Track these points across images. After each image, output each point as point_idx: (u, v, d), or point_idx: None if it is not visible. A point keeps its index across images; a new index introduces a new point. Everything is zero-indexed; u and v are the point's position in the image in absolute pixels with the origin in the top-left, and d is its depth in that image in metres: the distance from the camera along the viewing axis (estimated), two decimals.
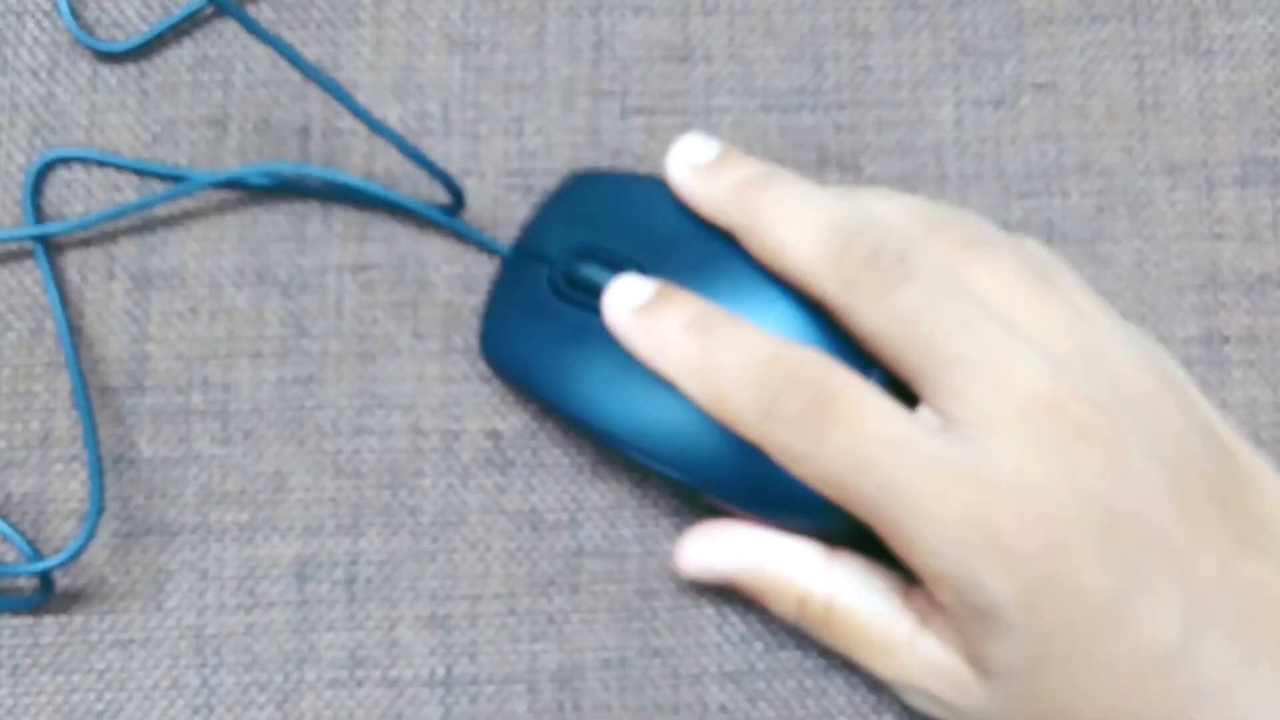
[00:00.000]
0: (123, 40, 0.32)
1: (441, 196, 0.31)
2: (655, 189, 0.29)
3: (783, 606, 0.27)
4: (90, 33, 0.32)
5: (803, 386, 0.24)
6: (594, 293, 0.28)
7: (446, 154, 0.31)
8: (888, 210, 0.26)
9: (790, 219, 0.26)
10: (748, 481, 0.26)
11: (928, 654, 0.25)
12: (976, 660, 0.24)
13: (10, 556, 0.29)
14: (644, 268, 0.27)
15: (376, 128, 0.29)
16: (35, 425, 0.30)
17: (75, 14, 0.32)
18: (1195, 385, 0.26)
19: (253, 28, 0.28)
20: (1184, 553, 0.23)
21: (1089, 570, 0.23)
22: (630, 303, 0.27)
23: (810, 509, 0.26)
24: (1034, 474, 0.23)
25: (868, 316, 0.25)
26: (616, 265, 0.28)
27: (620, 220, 0.28)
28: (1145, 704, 0.23)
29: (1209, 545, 0.23)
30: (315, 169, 0.29)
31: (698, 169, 0.27)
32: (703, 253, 0.27)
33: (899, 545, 0.24)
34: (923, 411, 0.24)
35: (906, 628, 0.25)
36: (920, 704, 0.26)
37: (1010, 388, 0.23)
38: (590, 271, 0.28)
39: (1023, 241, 0.27)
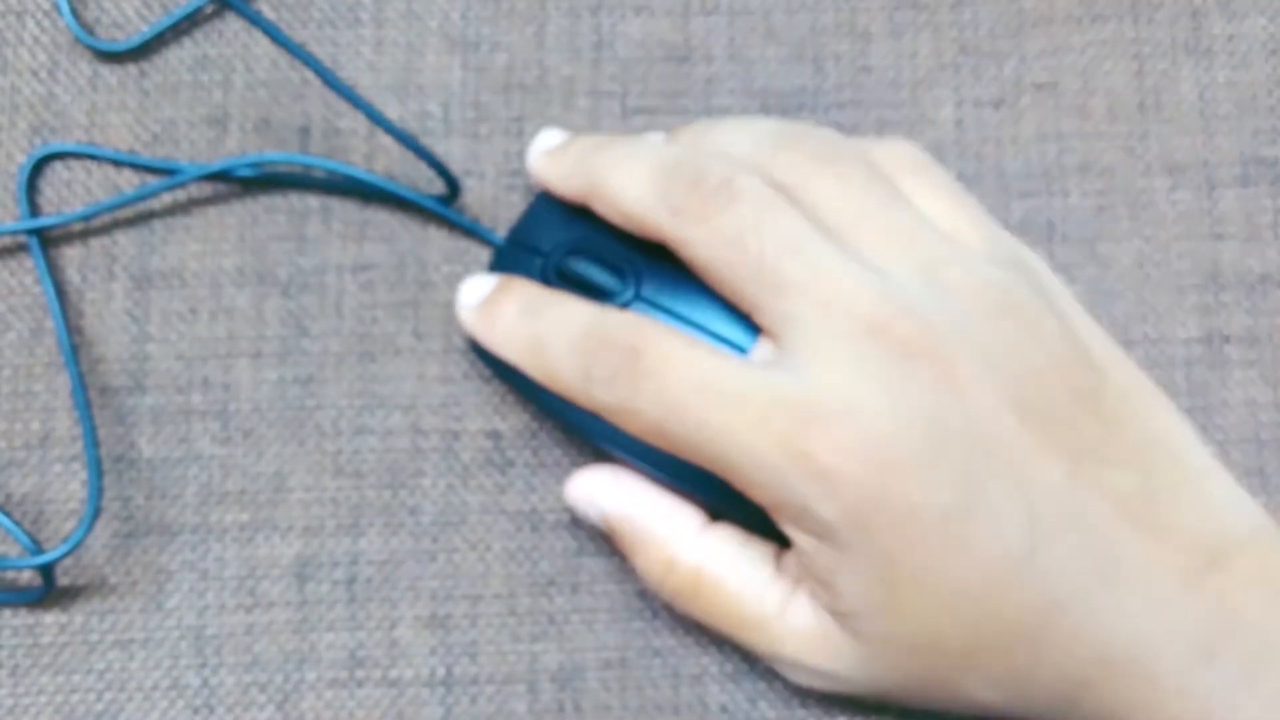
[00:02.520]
0: (123, 40, 0.32)
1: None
2: None
3: (649, 566, 0.26)
4: (90, 32, 0.32)
5: (613, 347, 0.25)
6: (585, 289, 0.28)
7: (447, 154, 0.31)
8: (736, 138, 0.27)
9: (622, 167, 0.26)
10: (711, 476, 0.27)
11: (798, 622, 0.25)
12: (838, 606, 0.24)
13: (11, 553, 0.29)
14: (636, 264, 0.27)
15: (362, 107, 0.29)
16: (35, 425, 0.30)
17: (75, 14, 0.32)
18: (1069, 296, 0.26)
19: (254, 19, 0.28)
20: (1027, 463, 0.23)
21: (917, 487, 0.23)
22: (474, 300, 0.28)
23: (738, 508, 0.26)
24: (853, 394, 0.23)
25: (698, 244, 0.25)
26: (609, 262, 0.28)
27: None
28: (1002, 620, 0.23)
29: (1059, 455, 0.23)
30: (305, 158, 0.29)
31: (550, 153, 0.28)
32: None
33: (737, 484, 0.24)
34: (760, 344, 0.25)
35: (776, 598, 0.25)
36: (801, 678, 0.26)
37: (835, 309, 0.24)
38: (582, 267, 0.28)
39: (891, 145, 0.27)
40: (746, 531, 0.26)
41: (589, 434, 0.28)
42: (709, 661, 0.29)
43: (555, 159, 0.28)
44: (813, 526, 0.23)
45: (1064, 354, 0.24)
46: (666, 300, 0.27)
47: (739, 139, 0.27)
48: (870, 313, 0.23)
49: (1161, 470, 0.24)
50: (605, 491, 0.27)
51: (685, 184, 0.25)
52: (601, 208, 0.27)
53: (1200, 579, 0.23)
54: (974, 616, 0.23)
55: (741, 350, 0.27)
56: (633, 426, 0.25)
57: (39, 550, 0.28)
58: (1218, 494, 0.25)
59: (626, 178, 0.26)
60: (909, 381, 0.23)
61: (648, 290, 0.27)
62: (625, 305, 0.27)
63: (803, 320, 0.24)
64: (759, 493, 0.24)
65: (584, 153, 0.28)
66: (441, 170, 0.30)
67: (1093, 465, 0.24)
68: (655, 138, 0.28)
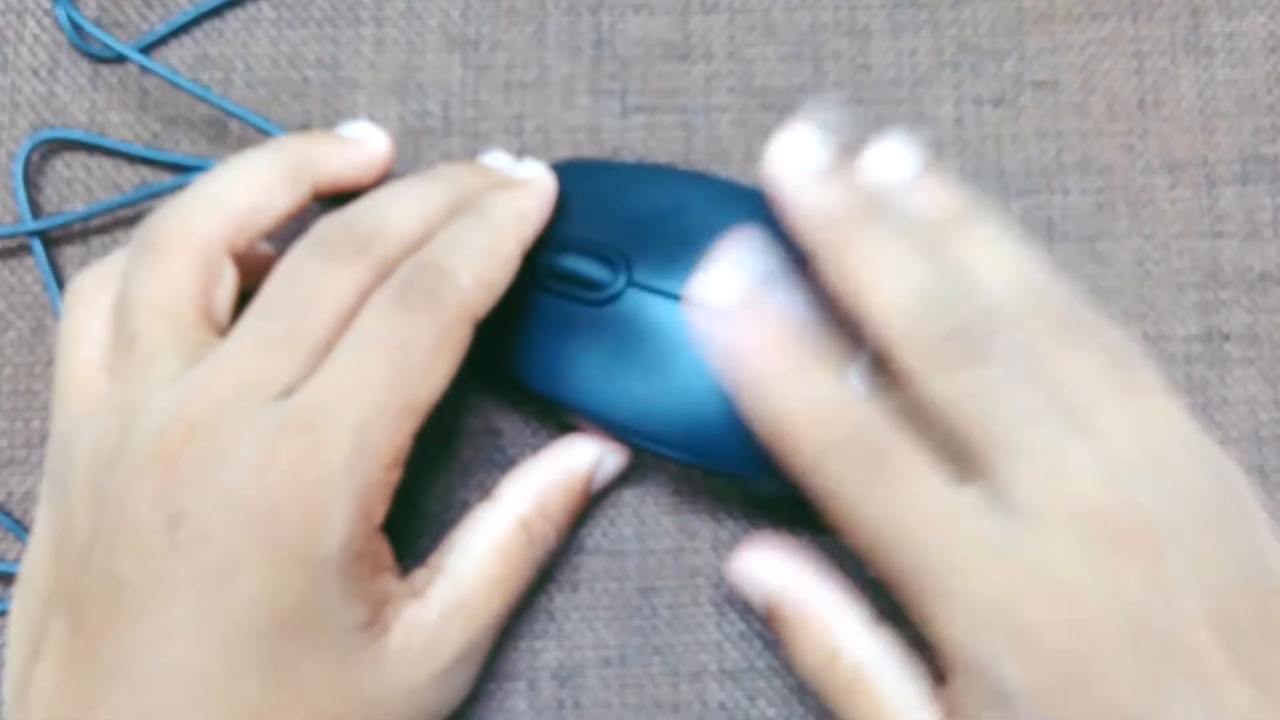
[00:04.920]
0: (126, 42, 0.32)
1: None
2: (636, 174, 0.29)
3: (811, 652, 0.26)
4: (89, 35, 0.32)
5: (864, 439, 0.24)
6: (575, 283, 0.28)
7: (447, 152, 0.31)
8: (995, 269, 0.26)
9: (887, 267, 0.25)
10: (720, 445, 0.27)
11: None
12: None
13: (10, 554, 0.30)
14: (623, 251, 0.28)
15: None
16: (36, 424, 0.30)
17: (76, 27, 0.32)
18: (1264, 516, 0.25)
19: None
20: (1216, 679, 0.23)
21: (1115, 681, 0.22)
22: (724, 297, 0.26)
23: (752, 464, 0.26)
24: (1072, 574, 0.23)
25: (938, 387, 0.24)
26: (596, 253, 0.28)
27: (602, 208, 0.28)
28: None
29: (1246, 674, 0.23)
30: None
31: (809, 172, 0.26)
32: (680, 239, 0.28)
33: (921, 615, 0.24)
34: (970, 490, 0.24)
35: (929, 718, 0.25)
36: None
37: (1064, 486, 0.23)
38: (571, 263, 0.28)
39: (1124, 334, 0.27)
40: (906, 645, 0.26)
41: (609, 427, 0.28)
42: (708, 659, 0.29)
43: (814, 189, 0.26)
44: (991, 686, 0.23)
45: (1263, 572, 0.24)
46: (658, 283, 0.27)
47: (991, 276, 0.26)
48: (1096, 497, 0.23)
49: None
50: (774, 572, 0.27)
51: (947, 328, 0.24)
52: (836, 281, 0.25)
53: None
54: None
55: None
56: (846, 521, 0.24)
57: None
58: None
59: (887, 284, 0.25)
60: (1121, 571, 0.23)
61: (638, 275, 0.27)
62: (618, 294, 0.27)
63: (1029, 489, 0.23)
64: (946, 633, 0.23)
65: (851, 208, 0.26)
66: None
67: (1277, 696, 0.23)
68: (915, 239, 0.26)
